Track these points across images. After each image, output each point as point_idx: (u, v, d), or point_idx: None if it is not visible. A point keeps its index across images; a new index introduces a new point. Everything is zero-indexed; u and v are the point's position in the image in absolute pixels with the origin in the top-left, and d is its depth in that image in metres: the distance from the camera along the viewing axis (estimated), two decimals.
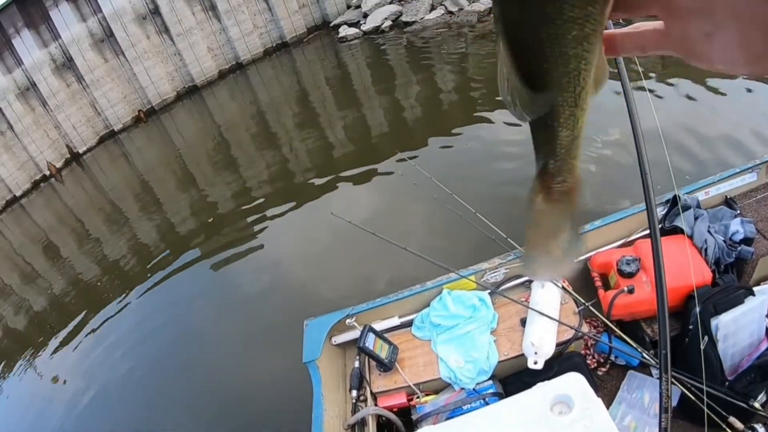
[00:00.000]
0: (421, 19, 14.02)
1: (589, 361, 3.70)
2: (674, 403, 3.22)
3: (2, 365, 8.32)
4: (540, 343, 3.21)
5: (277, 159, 10.88)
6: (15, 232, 12.77)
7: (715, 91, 7.75)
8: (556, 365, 3.21)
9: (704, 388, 2.52)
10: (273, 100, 13.93)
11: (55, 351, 7.94)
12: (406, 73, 12.46)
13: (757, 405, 2.82)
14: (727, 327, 3.03)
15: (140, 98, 15.14)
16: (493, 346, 3.44)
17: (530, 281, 3.74)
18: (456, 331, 3.57)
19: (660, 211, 3.80)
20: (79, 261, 10.28)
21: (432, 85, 11.42)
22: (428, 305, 3.80)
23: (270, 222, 8.65)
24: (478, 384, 3.35)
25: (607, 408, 2.39)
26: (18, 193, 13.83)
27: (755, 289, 3.21)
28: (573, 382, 2.18)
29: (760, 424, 2.75)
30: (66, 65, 13.91)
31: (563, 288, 3.47)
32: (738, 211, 3.73)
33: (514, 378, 3.42)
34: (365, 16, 15.08)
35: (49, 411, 6.81)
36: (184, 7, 14.62)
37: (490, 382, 3.36)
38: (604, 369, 3.76)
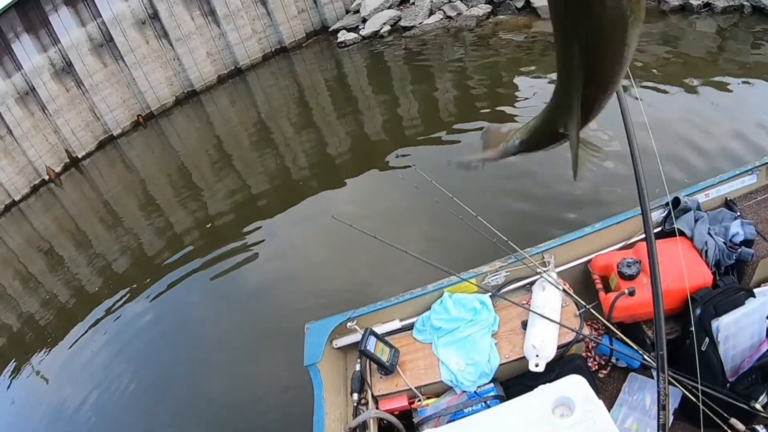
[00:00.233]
0: (420, 23, 14.04)
1: (590, 364, 3.71)
2: (675, 404, 3.22)
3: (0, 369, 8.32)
4: (541, 345, 3.21)
5: (276, 163, 10.88)
6: (14, 237, 12.76)
7: (715, 93, 7.78)
8: (558, 368, 3.21)
9: (699, 386, 2.52)
10: (272, 105, 13.94)
11: (54, 355, 7.93)
12: (405, 78, 12.47)
13: (758, 406, 2.82)
14: (727, 329, 3.03)
15: (139, 103, 15.15)
16: (494, 349, 3.44)
17: (531, 284, 3.75)
18: (457, 334, 3.57)
19: (660, 214, 3.81)
20: (77, 266, 10.27)
21: (431, 90, 11.43)
22: (429, 308, 3.80)
23: (270, 226, 8.65)
24: (479, 387, 3.35)
25: (609, 410, 2.39)
26: (17, 198, 13.83)
27: (756, 290, 3.22)
28: (574, 385, 2.18)
29: (762, 426, 2.75)
30: (65, 70, 13.92)
31: (564, 290, 3.47)
32: (738, 213, 3.74)
33: (515, 381, 3.42)
34: (364, 21, 15.09)
35: (48, 415, 6.81)
36: (183, 12, 14.64)
37: (492, 384, 3.36)
38: (605, 371, 3.76)
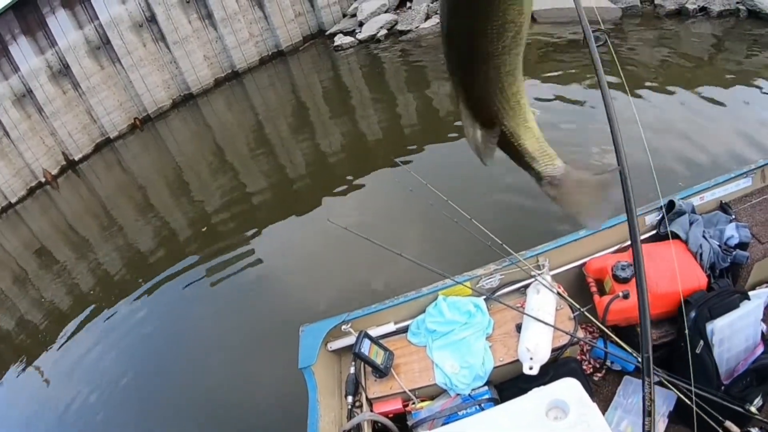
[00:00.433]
0: (417, 27, 14.06)
1: (584, 367, 3.69)
2: (670, 407, 3.22)
3: None
4: (535, 348, 3.20)
5: (272, 166, 10.88)
6: (9, 239, 12.73)
7: (711, 97, 7.80)
8: (552, 371, 3.20)
9: (693, 389, 2.52)
10: (269, 108, 13.95)
11: (48, 356, 7.91)
12: (401, 81, 12.49)
13: (753, 409, 2.81)
14: (722, 331, 3.03)
15: (136, 106, 15.14)
16: (488, 352, 3.44)
17: (525, 287, 3.74)
18: (451, 337, 3.56)
19: (655, 217, 3.82)
20: (73, 268, 10.25)
21: (427, 93, 11.45)
22: (424, 311, 3.80)
23: (265, 229, 8.65)
24: (473, 390, 3.34)
25: (603, 413, 2.38)
26: (13, 200, 13.80)
27: (750, 293, 3.22)
28: (568, 388, 2.17)
29: (756, 428, 2.75)
30: (62, 72, 13.90)
31: (558, 293, 3.47)
32: (733, 216, 3.74)
33: (509, 384, 3.41)
34: (361, 24, 15.12)
35: (42, 416, 6.79)
36: (180, 16, 14.65)
37: (486, 387, 3.35)
38: (599, 374, 3.75)
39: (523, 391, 2.30)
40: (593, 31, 2.00)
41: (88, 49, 14.01)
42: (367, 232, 3.93)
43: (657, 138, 6.87)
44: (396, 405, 3.43)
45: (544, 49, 10.73)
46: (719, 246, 3.48)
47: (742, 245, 3.51)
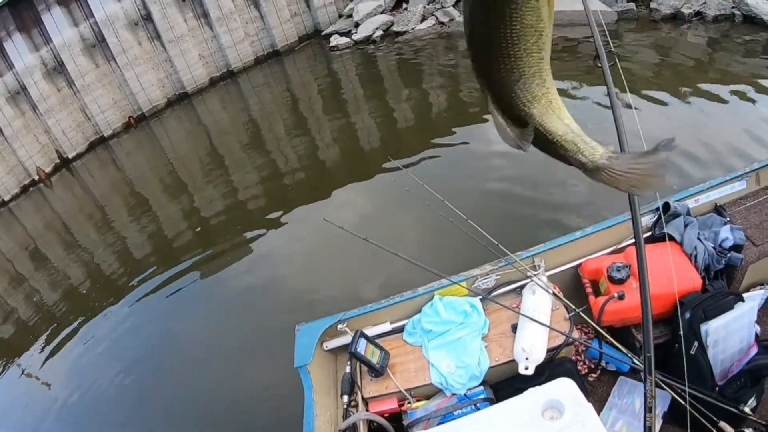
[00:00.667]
0: (413, 29, 14.06)
1: (579, 367, 3.72)
2: (665, 408, 3.23)
3: None
4: (531, 348, 3.22)
5: (268, 166, 10.86)
6: (2, 237, 12.66)
7: (706, 101, 7.85)
8: (547, 371, 3.22)
9: (686, 389, 2.54)
10: (264, 108, 13.92)
11: (40, 357, 7.86)
12: (397, 82, 12.50)
13: (747, 410, 2.83)
14: (717, 332, 3.05)
15: (131, 104, 15.08)
16: (484, 352, 3.45)
17: (521, 288, 3.76)
18: (447, 337, 3.57)
19: (650, 219, 3.83)
20: (66, 267, 10.21)
21: (423, 94, 11.46)
22: (420, 311, 3.80)
23: (261, 228, 8.64)
24: (469, 390, 3.35)
25: (598, 413, 2.39)
26: (6, 198, 13.72)
27: (745, 295, 3.25)
28: (564, 388, 2.18)
29: (751, 429, 2.77)
30: (57, 70, 13.84)
31: (554, 294, 3.48)
32: (728, 219, 3.77)
33: (505, 384, 3.42)
34: (357, 25, 15.10)
35: (36, 416, 6.76)
36: (176, 14, 14.60)
37: (481, 387, 3.36)
38: (594, 375, 3.77)
39: (519, 391, 2.32)
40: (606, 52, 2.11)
41: (83, 47, 13.96)
42: (364, 231, 3.94)
43: (652, 141, 6.89)
44: (392, 404, 3.43)
45: None
46: (714, 248, 3.50)
47: (737, 247, 3.54)
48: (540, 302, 3.47)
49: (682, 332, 2.96)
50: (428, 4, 14.37)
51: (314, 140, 11.27)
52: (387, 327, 3.83)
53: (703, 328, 3.06)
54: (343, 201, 8.40)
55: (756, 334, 3.22)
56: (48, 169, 14.26)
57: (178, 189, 11.53)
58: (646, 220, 3.83)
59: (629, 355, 2.99)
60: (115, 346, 7.40)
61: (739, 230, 3.60)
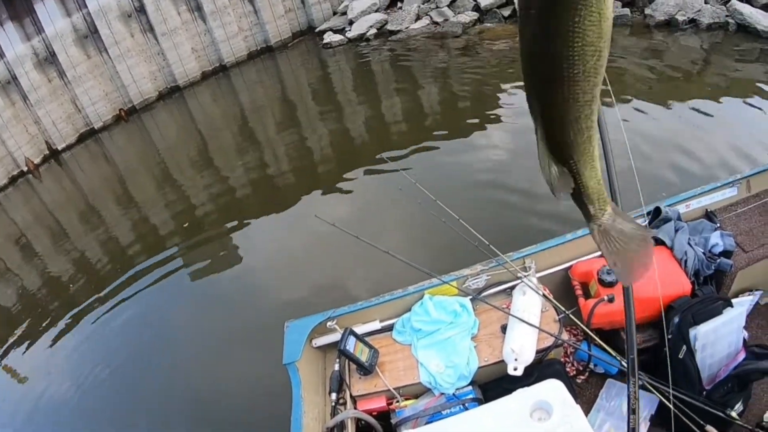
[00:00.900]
0: (406, 28, 14.05)
1: (568, 369, 3.73)
2: (652, 411, 3.25)
3: None
4: (520, 349, 3.23)
5: (258, 162, 10.82)
6: None
7: (698, 108, 7.90)
8: (536, 372, 3.23)
9: (671, 392, 2.55)
10: (256, 104, 13.88)
11: (24, 350, 7.77)
12: (390, 81, 12.49)
13: (734, 414, 2.86)
14: (705, 337, 3.06)
15: (122, 97, 14.98)
16: (473, 352, 3.45)
17: (511, 288, 3.77)
18: (437, 336, 3.57)
19: (641, 223, 3.85)
20: (53, 259, 10.13)
21: (416, 93, 11.45)
22: (410, 310, 3.81)
23: (252, 224, 8.60)
24: (457, 389, 3.36)
25: (586, 415, 2.40)
26: None
27: (733, 300, 3.26)
28: (552, 389, 2.19)
29: None
30: (48, 60, 13.71)
31: (544, 296, 3.50)
32: (718, 225, 3.79)
33: (493, 384, 3.43)
34: (351, 23, 15.07)
35: (17, 411, 6.69)
36: (169, 7, 14.52)
37: (470, 387, 3.37)
38: (583, 377, 3.79)
39: (508, 391, 2.32)
40: None
41: (75, 38, 13.85)
42: (355, 229, 3.93)
43: (642, 146, 6.94)
44: (380, 403, 3.43)
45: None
46: (704, 253, 3.52)
47: (727, 253, 3.56)
48: (530, 303, 3.48)
49: (670, 336, 2.98)
50: (423, 4, 14.37)
51: (306, 137, 11.23)
52: (377, 325, 3.83)
53: (692, 332, 3.08)
54: (334, 198, 8.39)
55: (744, 340, 3.24)
56: (37, 160, 14.14)
57: (168, 183, 11.47)
58: None
59: (617, 357, 3.00)
60: (99, 340, 7.33)
61: (729, 236, 3.62)
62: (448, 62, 12.18)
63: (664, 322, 3.00)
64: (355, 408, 3.42)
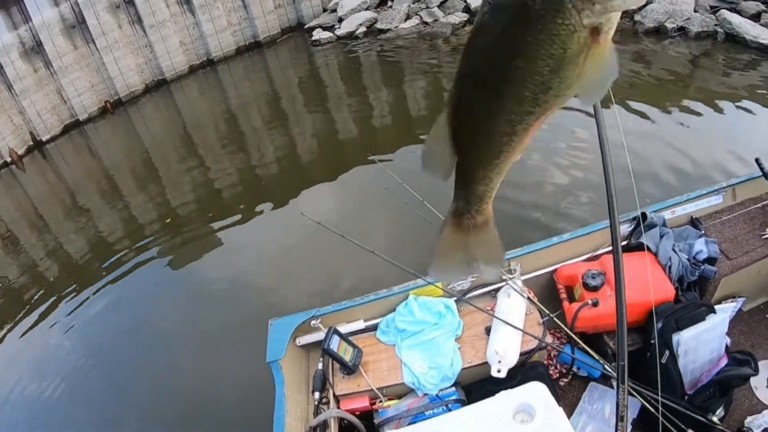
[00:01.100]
0: (396, 27, 14.05)
1: (551, 372, 3.75)
2: (634, 415, 3.26)
3: None
4: (504, 351, 3.23)
5: (244, 158, 10.77)
6: None
7: (685, 116, 7.95)
8: (519, 374, 3.24)
9: (659, 398, 2.56)
10: (243, 99, 13.81)
11: (3, 345, 7.68)
12: (378, 80, 12.49)
13: (715, 419, 2.88)
14: (688, 343, 3.09)
15: (108, 89, 14.85)
16: (457, 353, 3.46)
17: (496, 290, 3.77)
18: (421, 337, 3.57)
19: (627, 228, 3.87)
20: (34, 252, 10.02)
21: (404, 92, 11.46)
22: (394, 310, 3.80)
23: (236, 221, 8.55)
24: (441, 390, 3.36)
25: (568, 418, 2.41)
26: None
27: (717, 307, 3.29)
28: (535, 391, 2.19)
29: None
30: (35, 50, 13.56)
31: (528, 298, 3.51)
32: (703, 232, 3.82)
33: (477, 385, 3.44)
34: (340, 20, 15.05)
35: None
36: None
37: (453, 388, 3.38)
38: (566, 380, 3.80)
39: (491, 393, 2.32)
40: None
41: (62, 27, 13.71)
42: (341, 228, 3.92)
43: (630, 152, 6.97)
44: (363, 403, 3.43)
45: None
46: (688, 260, 3.55)
47: (711, 260, 3.59)
48: (514, 306, 3.48)
49: (654, 341, 2.99)
50: (413, 3, 14.37)
51: (293, 133, 11.20)
52: (361, 325, 3.82)
53: (675, 337, 3.10)
54: (321, 196, 8.36)
55: (726, 346, 3.27)
56: (21, 151, 13.98)
57: (152, 177, 11.39)
58: (623, 230, 3.86)
59: (601, 361, 3.01)
60: (80, 339, 7.23)
61: (713, 243, 3.65)
62: (438, 62, 12.20)
63: (653, 326, 3.02)
64: (338, 407, 3.42)
